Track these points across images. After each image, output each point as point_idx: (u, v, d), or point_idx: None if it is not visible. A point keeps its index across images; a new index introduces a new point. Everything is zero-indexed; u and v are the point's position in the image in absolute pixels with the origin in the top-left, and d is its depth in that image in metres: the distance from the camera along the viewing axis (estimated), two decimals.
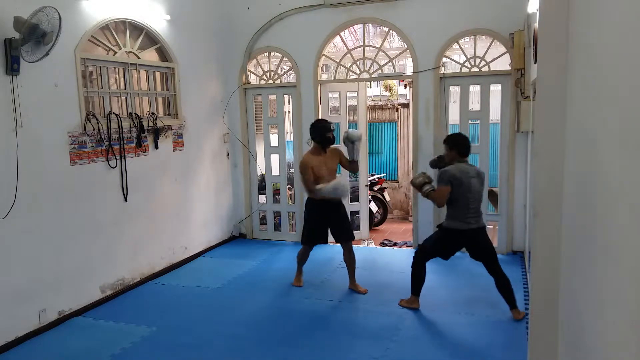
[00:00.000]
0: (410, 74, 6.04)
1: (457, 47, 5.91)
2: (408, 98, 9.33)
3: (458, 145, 3.97)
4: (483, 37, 5.63)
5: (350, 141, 4.51)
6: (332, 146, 4.62)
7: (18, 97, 3.71)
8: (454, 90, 6.21)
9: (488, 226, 6.09)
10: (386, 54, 6.27)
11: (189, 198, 5.82)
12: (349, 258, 4.69)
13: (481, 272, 5.36)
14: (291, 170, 7.16)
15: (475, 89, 5.81)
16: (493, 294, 4.60)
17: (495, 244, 5.90)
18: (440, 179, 3.94)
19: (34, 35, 3.57)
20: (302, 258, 4.87)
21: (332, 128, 4.57)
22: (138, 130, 4.94)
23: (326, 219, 4.65)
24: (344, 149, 4.70)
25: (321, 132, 4.52)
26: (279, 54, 6.37)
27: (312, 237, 4.71)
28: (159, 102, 5.43)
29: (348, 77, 6.30)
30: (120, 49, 4.82)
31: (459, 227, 3.93)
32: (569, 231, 2.19)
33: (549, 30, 2.33)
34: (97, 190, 4.49)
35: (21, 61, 3.64)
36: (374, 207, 7.47)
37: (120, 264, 4.78)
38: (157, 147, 5.21)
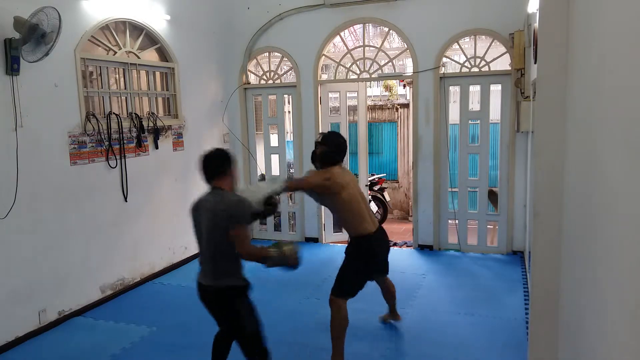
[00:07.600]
0: (410, 74, 6.04)
1: (457, 47, 5.91)
2: (408, 98, 9.32)
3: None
4: (483, 37, 5.63)
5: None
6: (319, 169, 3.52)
7: (18, 97, 3.71)
8: (454, 90, 6.21)
9: (488, 226, 6.09)
10: (386, 54, 6.27)
11: (189, 198, 5.74)
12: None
13: (481, 272, 5.40)
14: (291, 170, 7.16)
15: (475, 89, 5.81)
16: (493, 294, 4.61)
17: (495, 244, 5.91)
18: None
19: (34, 35, 3.57)
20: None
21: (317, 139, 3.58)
22: (138, 130, 4.94)
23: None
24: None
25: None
26: (279, 54, 6.37)
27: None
28: (159, 102, 5.43)
29: (348, 77, 6.30)
30: (120, 49, 4.82)
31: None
32: (569, 231, 2.19)
33: (549, 30, 2.33)
34: (97, 190, 4.49)
35: (21, 61, 3.64)
36: (374, 207, 7.47)
37: (120, 264, 4.78)
38: (157, 147, 5.21)
